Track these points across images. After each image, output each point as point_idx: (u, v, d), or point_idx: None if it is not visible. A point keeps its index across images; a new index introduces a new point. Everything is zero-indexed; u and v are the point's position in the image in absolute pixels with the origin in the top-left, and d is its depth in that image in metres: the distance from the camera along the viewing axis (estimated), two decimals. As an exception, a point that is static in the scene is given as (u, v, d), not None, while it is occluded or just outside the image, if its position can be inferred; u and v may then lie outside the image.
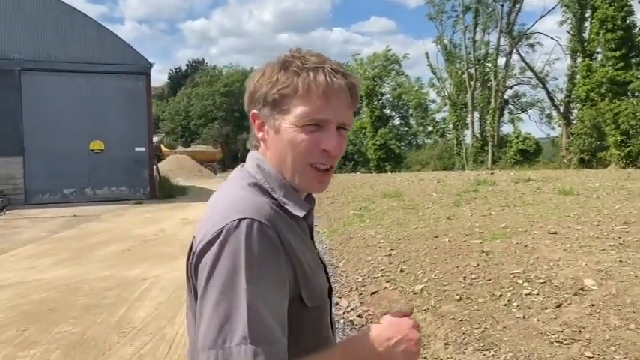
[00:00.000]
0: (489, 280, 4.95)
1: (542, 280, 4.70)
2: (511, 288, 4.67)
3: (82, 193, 18.21)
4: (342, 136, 1.11)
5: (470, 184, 14.92)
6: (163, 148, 48.26)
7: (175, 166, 39.74)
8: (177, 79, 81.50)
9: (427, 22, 38.91)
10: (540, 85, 32.26)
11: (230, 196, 1.07)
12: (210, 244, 0.97)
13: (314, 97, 1.05)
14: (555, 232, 6.60)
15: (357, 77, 1.13)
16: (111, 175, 18.60)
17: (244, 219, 0.97)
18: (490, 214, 8.78)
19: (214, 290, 0.93)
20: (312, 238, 1.21)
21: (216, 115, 67.53)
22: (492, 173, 19.27)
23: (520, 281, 4.78)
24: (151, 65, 19.44)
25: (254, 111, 1.13)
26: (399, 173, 28.09)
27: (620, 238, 6.07)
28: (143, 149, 19.33)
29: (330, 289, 1.21)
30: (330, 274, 1.27)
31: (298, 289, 1.04)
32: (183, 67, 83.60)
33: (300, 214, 1.10)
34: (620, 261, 5.04)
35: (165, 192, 20.19)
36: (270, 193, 1.10)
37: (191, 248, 1.05)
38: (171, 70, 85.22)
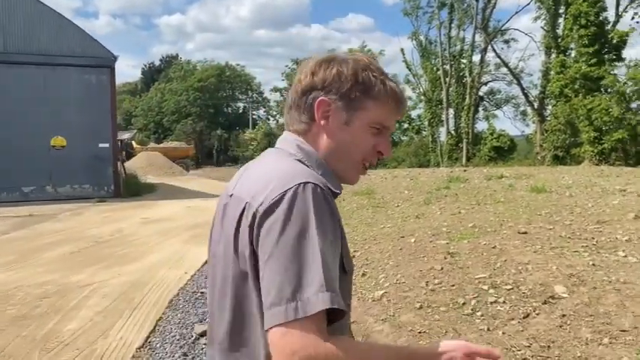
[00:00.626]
0: (453, 285, 4.55)
1: (509, 287, 4.32)
2: (475, 295, 4.27)
3: (42, 191, 17.43)
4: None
5: (442, 181, 14.62)
6: (135, 145, 47.28)
7: (146, 163, 38.99)
8: (151, 75, 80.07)
9: (404, 20, 38.45)
10: (515, 81, 32.16)
11: (285, 166, 1.12)
12: (277, 204, 1.01)
13: (390, 106, 1.19)
14: (525, 232, 6.25)
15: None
16: (73, 172, 17.86)
17: (308, 183, 1.04)
18: (459, 212, 8.43)
19: (286, 248, 0.97)
20: None
21: (190, 111, 66.38)
22: (465, 170, 19.03)
23: (485, 287, 4.39)
24: (115, 58, 18.71)
25: (323, 98, 1.17)
26: (374, 170, 27.74)
27: (593, 238, 5.74)
28: (107, 145, 18.63)
29: None
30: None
31: (341, 255, 1.09)
32: (157, 63, 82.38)
33: (338, 191, 1.17)
34: (593, 264, 4.69)
35: (131, 190, 19.50)
36: (311, 170, 1.14)
37: (241, 214, 1.08)
38: (145, 66, 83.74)
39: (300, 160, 1.15)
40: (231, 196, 1.15)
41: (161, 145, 51.08)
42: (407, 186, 13.69)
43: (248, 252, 1.05)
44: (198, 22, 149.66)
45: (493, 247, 5.55)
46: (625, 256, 4.90)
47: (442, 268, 5.04)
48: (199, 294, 5.91)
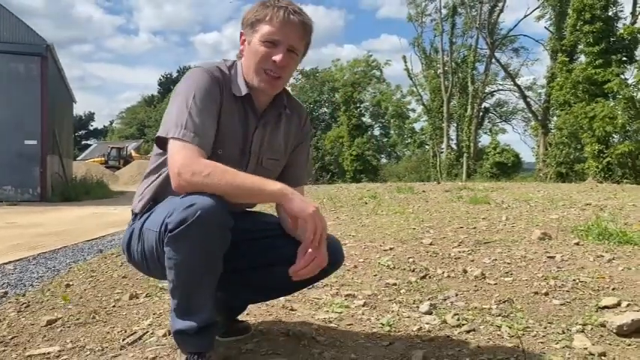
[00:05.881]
0: None
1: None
2: None
3: (-46, 191, 15.44)
4: (291, 57, 1.70)
5: (389, 190, 12.03)
6: (134, 154, 46.35)
7: (136, 172, 38.35)
8: (168, 85, 79.25)
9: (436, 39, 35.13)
10: (517, 90, 29.06)
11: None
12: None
13: (274, 24, 1.65)
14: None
15: (310, 19, 1.73)
16: (-8, 171, 15.81)
17: (199, 67, 1.72)
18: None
19: (172, 98, 1.68)
20: (258, 125, 1.80)
21: (201, 123, 64.92)
22: (439, 182, 16.31)
23: None
24: (48, 46, 16.73)
25: (241, 31, 1.75)
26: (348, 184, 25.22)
27: (427, 269, 3.11)
28: (35, 142, 16.52)
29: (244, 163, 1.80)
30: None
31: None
32: (175, 74, 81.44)
33: (236, 92, 1.73)
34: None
35: (67, 193, 17.39)
36: (230, 73, 1.76)
37: None
38: (162, 77, 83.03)
39: (226, 66, 1.78)
40: None
41: (161, 155, 49.73)
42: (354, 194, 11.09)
43: None
44: (233, 41, 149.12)
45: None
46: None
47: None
48: None
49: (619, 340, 1.96)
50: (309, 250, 1.56)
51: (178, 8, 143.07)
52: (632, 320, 1.99)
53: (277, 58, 1.64)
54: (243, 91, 1.72)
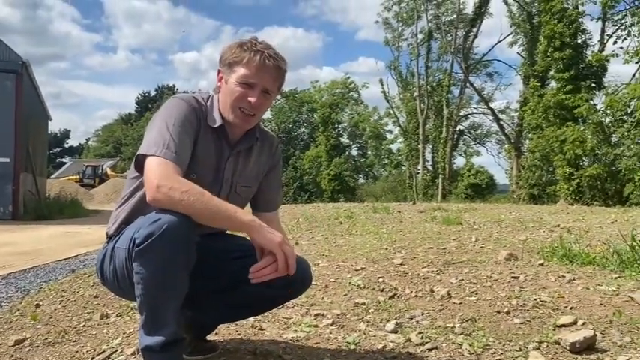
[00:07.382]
0: None
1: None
2: None
3: None
4: (265, 98, 1.83)
5: (366, 210, 12.16)
6: (109, 172, 46.01)
7: (111, 191, 38.08)
8: (146, 104, 78.97)
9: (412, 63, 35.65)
10: (491, 113, 29.74)
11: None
12: None
13: (250, 67, 1.78)
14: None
15: (284, 62, 1.86)
16: (-37, 189, 15.50)
17: (176, 97, 1.85)
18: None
19: (152, 121, 1.78)
20: (231, 154, 1.91)
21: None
22: (414, 203, 16.51)
23: None
24: (23, 63, 16.59)
25: (219, 68, 1.87)
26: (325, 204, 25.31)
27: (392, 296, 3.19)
28: (7, 160, 16.24)
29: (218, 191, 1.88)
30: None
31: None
32: (153, 93, 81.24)
33: (211, 123, 1.84)
34: None
35: (40, 212, 17.07)
36: (206, 105, 1.88)
37: None
38: (140, 95, 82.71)
39: (202, 97, 1.90)
40: None
41: (138, 174, 49.65)
42: (329, 214, 11.15)
43: None
44: (212, 61, 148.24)
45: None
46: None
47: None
48: None
49: (572, 356, 2.06)
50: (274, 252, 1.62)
51: (157, 27, 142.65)
52: (584, 337, 2.10)
53: (252, 99, 1.77)
54: (218, 122, 1.83)
